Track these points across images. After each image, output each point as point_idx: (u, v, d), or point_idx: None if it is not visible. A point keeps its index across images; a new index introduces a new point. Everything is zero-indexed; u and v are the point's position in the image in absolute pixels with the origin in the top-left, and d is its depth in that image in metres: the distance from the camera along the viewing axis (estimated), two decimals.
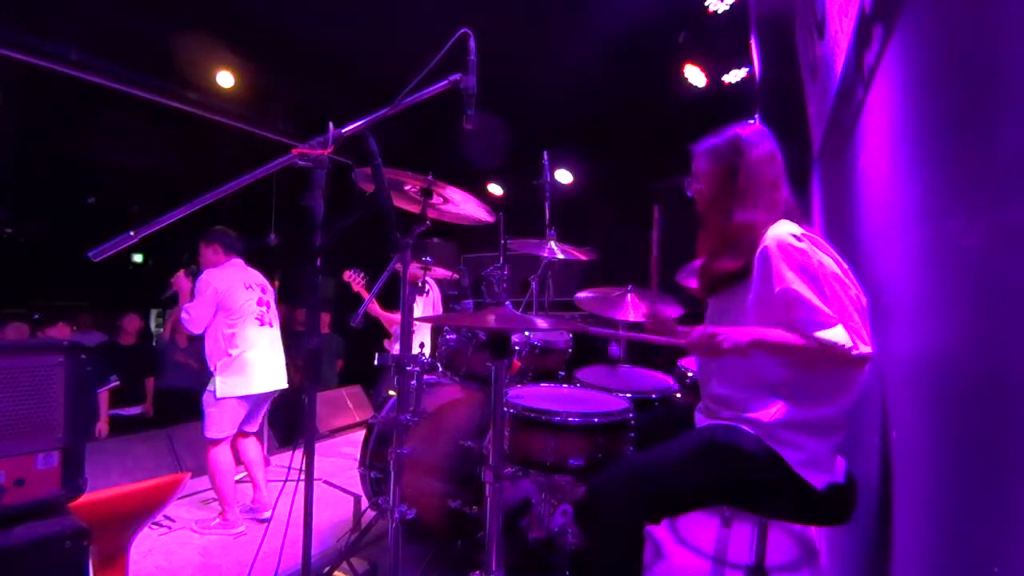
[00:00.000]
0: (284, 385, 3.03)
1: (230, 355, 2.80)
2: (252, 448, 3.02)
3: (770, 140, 1.45)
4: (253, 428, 3.03)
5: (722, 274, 1.41)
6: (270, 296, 3.06)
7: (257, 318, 2.90)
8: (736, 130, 1.47)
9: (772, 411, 1.31)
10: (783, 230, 1.30)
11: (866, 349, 1.19)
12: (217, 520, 2.81)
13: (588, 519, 1.38)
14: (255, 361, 2.84)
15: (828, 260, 1.26)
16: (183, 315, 2.84)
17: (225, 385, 2.78)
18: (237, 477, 2.97)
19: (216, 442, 2.79)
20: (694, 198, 1.56)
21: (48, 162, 5.58)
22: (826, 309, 1.20)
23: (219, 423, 2.78)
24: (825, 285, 1.22)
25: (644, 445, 1.62)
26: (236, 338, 2.82)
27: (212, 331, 2.85)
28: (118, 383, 4.33)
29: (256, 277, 3.03)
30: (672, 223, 5.26)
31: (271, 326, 2.98)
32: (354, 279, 3.48)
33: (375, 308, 3.79)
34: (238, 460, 2.99)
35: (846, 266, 1.29)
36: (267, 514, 2.88)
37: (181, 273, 3.01)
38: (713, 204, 1.48)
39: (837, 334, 1.19)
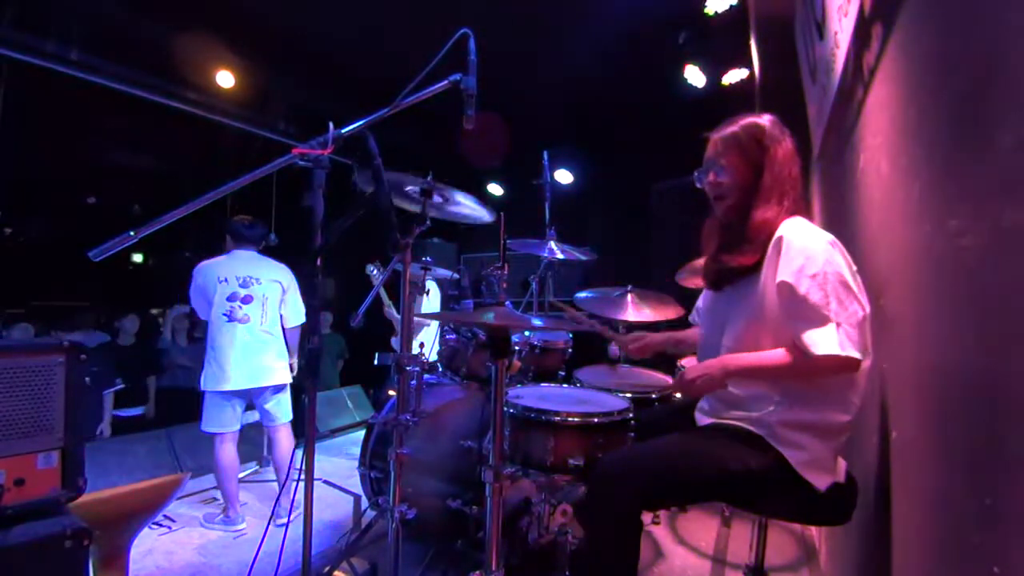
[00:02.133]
0: (264, 383, 2.89)
1: (208, 349, 2.83)
2: (279, 447, 2.96)
3: (788, 134, 1.42)
4: (274, 422, 2.97)
5: (735, 269, 1.39)
6: (259, 289, 2.90)
7: (225, 313, 2.81)
8: (754, 119, 1.43)
9: (776, 411, 1.31)
10: (800, 224, 1.31)
11: (854, 353, 1.17)
12: (220, 515, 2.84)
13: (590, 501, 1.39)
14: (223, 357, 2.79)
15: (838, 260, 1.24)
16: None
17: (205, 379, 2.81)
18: (242, 474, 2.96)
19: (213, 436, 2.80)
20: (706, 189, 1.50)
21: (48, 162, 5.57)
22: (819, 307, 1.20)
23: (208, 416, 2.81)
24: (826, 283, 1.21)
25: (644, 441, 1.63)
26: (211, 333, 2.83)
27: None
28: (123, 386, 4.35)
29: (245, 269, 2.89)
30: (666, 222, 5.26)
31: (243, 322, 2.84)
32: (374, 274, 3.47)
33: (391, 311, 3.81)
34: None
35: (855, 268, 1.28)
36: (281, 522, 2.78)
37: None
38: (735, 200, 1.43)
39: (826, 335, 1.18)
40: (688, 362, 2.55)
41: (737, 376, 1.35)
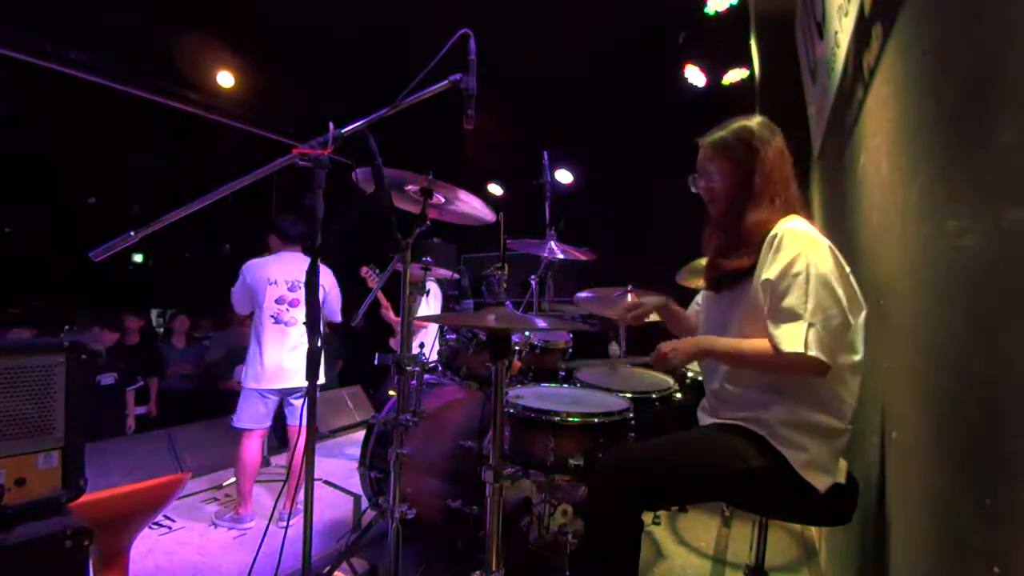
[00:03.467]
0: (300, 384, 2.93)
1: (252, 347, 2.88)
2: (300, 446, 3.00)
3: (779, 134, 1.43)
4: (296, 421, 3.00)
5: (733, 271, 1.41)
6: (303, 292, 2.96)
7: (273, 315, 2.88)
8: (743, 122, 1.44)
9: (776, 411, 1.31)
10: (796, 224, 1.32)
11: (818, 355, 1.18)
12: (230, 513, 2.86)
13: (591, 499, 1.39)
14: (265, 358, 2.86)
15: (825, 263, 1.25)
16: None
17: (245, 375, 2.87)
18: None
19: (241, 432, 2.84)
20: (701, 195, 1.51)
21: (48, 162, 5.58)
22: (795, 306, 1.21)
23: (240, 412, 2.86)
24: (808, 283, 1.22)
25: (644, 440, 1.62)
26: (255, 332, 2.89)
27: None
28: (143, 383, 4.40)
29: (292, 271, 2.94)
30: (669, 222, 5.25)
31: (289, 324, 2.91)
32: (370, 276, 3.46)
33: (388, 313, 3.81)
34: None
35: (848, 271, 1.28)
36: (283, 523, 2.80)
37: None
38: (727, 204, 1.45)
39: (795, 332, 1.20)
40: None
41: (708, 356, 1.40)
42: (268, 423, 2.92)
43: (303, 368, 2.93)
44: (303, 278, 2.90)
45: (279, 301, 2.89)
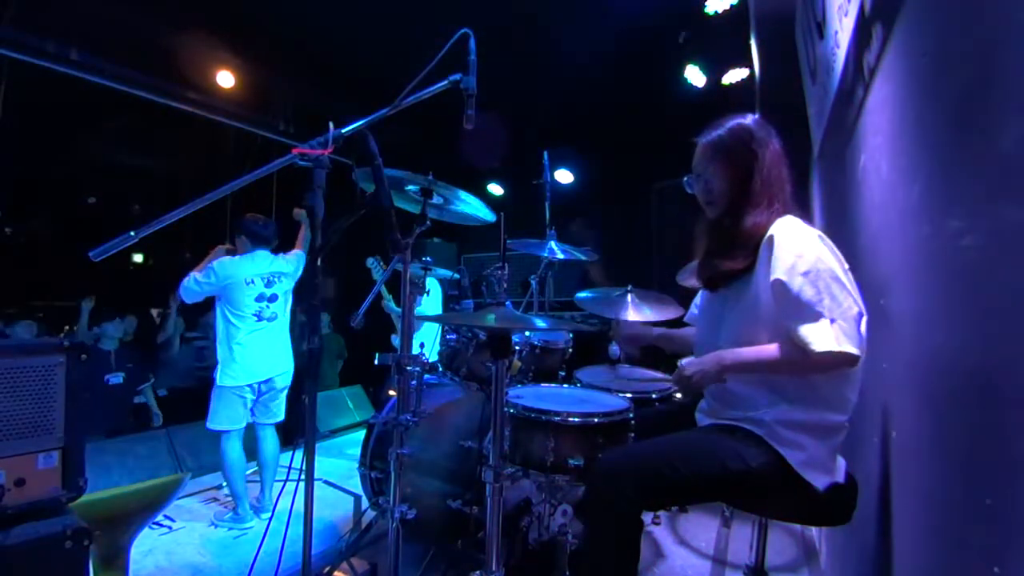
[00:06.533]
0: (279, 371, 2.99)
1: (227, 347, 2.88)
2: (267, 445, 3.02)
3: (775, 134, 1.43)
4: (268, 420, 3.02)
5: (728, 272, 1.41)
6: (280, 287, 3.00)
7: (255, 314, 2.91)
8: (739, 121, 1.43)
9: (774, 410, 1.31)
10: (791, 222, 1.32)
11: (851, 349, 1.17)
12: (229, 514, 2.87)
13: (590, 499, 1.39)
14: (248, 355, 2.87)
15: (828, 257, 1.25)
16: (184, 280, 2.87)
17: (221, 375, 2.86)
18: (249, 471, 2.99)
19: (219, 434, 2.84)
20: (698, 196, 1.51)
21: (48, 162, 5.57)
22: (813, 304, 1.20)
23: (216, 413, 2.85)
24: (819, 280, 1.22)
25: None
26: (233, 332, 2.88)
27: (217, 320, 2.93)
28: (152, 380, 4.42)
29: (267, 267, 2.98)
30: (669, 222, 5.26)
31: (271, 319, 2.97)
32: (375, 267, 3.47)
33: (390, 303, 3.81)
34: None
35: (847, 266, 1.29)
36: (265, 515, 2.88)
37: (220, 247, 3.05)
38: (725, 205, 1.44)
39: (822, 330, 1.18)
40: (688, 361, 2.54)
41: (733, 370, 1.34)
42: (245, 422, 2.93)
43: (279, 358, 2.97)
44: (279, 272, 3.00)
45: (259, 299, 2.93)
